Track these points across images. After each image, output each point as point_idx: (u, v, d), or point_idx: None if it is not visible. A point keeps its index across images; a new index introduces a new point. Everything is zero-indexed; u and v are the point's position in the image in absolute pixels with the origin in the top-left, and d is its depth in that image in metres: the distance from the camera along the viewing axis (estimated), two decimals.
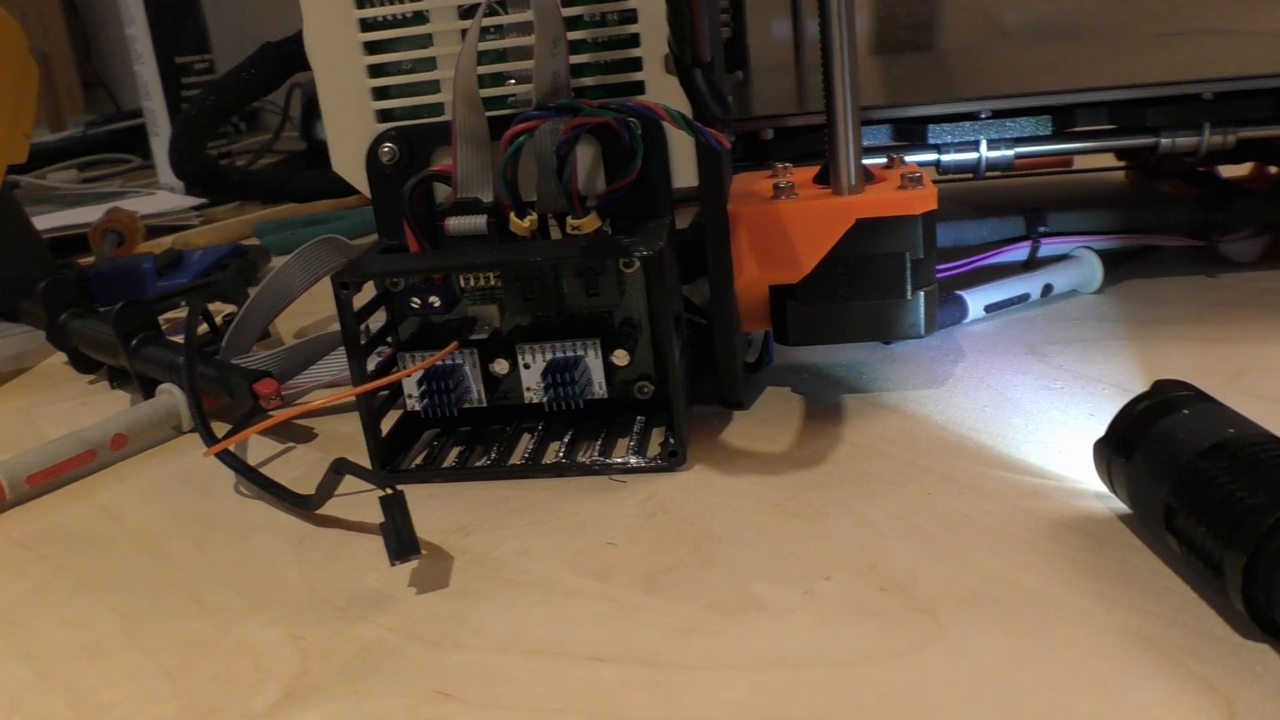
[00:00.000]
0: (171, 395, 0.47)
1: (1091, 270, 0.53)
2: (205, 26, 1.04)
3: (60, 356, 0.61)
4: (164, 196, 1.03)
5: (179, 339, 0.51)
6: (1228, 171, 0.63)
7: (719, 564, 0.32)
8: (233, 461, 0.40)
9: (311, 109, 1.10)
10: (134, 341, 0.50)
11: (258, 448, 0.45)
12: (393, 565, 0.32)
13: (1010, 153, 0.53)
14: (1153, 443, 0.30)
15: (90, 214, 0.91)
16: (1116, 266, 0.55)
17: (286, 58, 0.45)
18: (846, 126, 0.40)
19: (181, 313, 0.63)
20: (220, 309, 0.59)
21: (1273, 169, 0.61)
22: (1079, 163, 0.74)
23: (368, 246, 0.51)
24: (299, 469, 0.43)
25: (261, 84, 0.45)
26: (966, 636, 0.28)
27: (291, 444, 0.45)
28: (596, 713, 0.26)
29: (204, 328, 0.52)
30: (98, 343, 0.53)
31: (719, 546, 0.33)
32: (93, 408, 0.53)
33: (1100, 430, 0.38)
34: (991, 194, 0.70)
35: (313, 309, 0.62)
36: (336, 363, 0.49)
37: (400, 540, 0.32)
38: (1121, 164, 0.75)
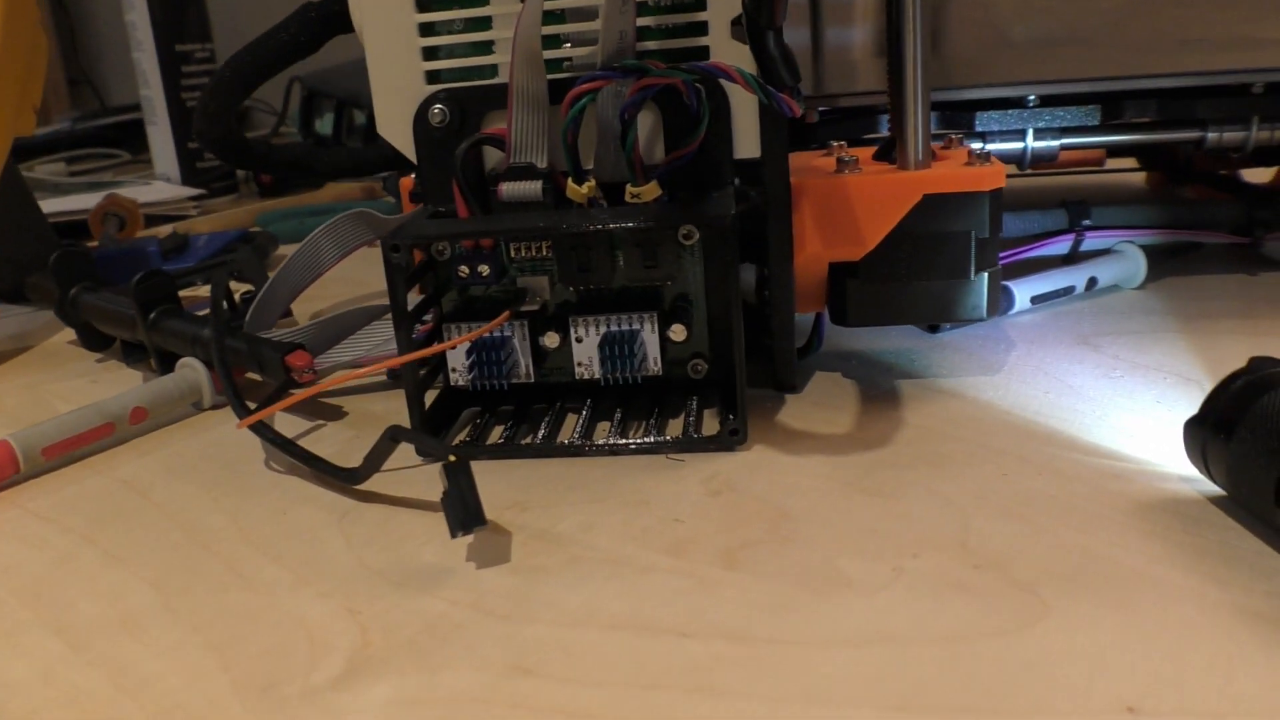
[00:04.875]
0: (193, 369, 0.45)
1: (1135, 265, 0.52)
2: (207, 14, 1.02)
3: (64, 336, 0.59)
4: (160, 186, 1.01)
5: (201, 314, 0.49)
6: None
7: (799, 541, 0.31)
8: (269, 434, 0.38)
9: (311, 104, 1.07)
10: (153, 314, 0.48)
11: (285, 426, 0.43)
12: (454, 537, 0.30)
13: (1056, 143, 0.52)
14: (1257, 420, 0.29)
15: (84, 201, 0.89)
16: (1157, 263, 0.54)
17: (328, 18, 0.43)
18: (916, 100, 0.39)
19: (195, 292, 0.61)
20: (236, 288, 0.57)
21: None
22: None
23: (406, 217, 0.50)
24: (331, 446, 0.41)
25: (301, 45, 0.43)
26: (1075, 614, 0.26)
27: (321, 421, 0.43)
28: (692, 687, 0.25)
29: None
30: (112, 316, 0.51)
31: (796, 524, 0.32)
32: (103, 385, 0.51)
33: (1171, 415, 0.38)
34: (1023, 192, 0.69)
35: (326, 293, 0.60)
36: (365, 341, 0.47)
37: (466, 510, 0.30)
38: (1138, 166, 0.75)
